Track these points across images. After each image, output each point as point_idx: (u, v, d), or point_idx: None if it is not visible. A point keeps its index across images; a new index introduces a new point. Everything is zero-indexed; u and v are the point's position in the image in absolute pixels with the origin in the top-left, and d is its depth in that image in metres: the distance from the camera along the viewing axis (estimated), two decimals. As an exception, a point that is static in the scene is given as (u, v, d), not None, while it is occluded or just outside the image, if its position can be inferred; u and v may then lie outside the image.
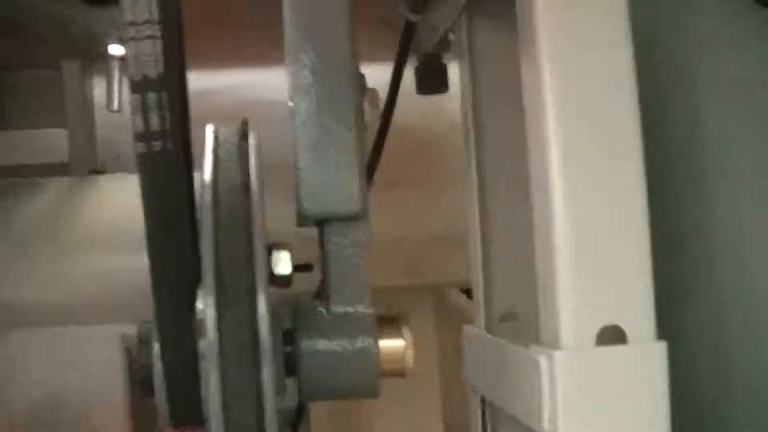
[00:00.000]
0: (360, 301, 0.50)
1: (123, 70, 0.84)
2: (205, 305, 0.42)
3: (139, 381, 0.49)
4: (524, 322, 0.69)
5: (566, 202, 0.50)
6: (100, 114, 0.94)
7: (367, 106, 0.51)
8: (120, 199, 0.76)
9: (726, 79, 0.64)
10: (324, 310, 0.50)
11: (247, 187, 0.41)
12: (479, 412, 0.74)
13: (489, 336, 0.69)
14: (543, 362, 0.51)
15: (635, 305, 0.51)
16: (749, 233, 0.64)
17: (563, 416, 0.50)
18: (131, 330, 0.49)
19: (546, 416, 0.50)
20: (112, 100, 0.83)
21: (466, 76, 0.74)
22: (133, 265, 0.79)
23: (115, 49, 0.83)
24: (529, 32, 0.53)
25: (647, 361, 0.51)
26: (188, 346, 0.45)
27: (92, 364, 0.68)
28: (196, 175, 0.45)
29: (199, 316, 0.43)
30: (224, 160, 0.42)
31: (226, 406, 0.41)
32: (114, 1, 0.87)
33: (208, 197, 0.41)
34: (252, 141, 0.43)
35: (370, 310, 0.50)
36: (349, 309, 0.50)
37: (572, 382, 0.50)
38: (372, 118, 0.52)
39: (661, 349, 0.51)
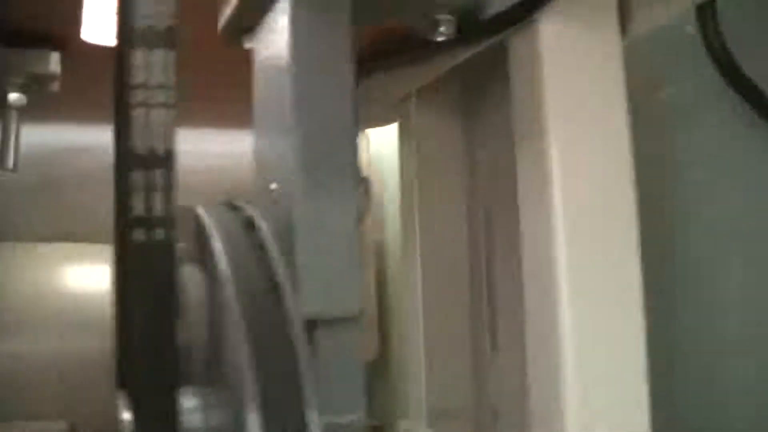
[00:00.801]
0: (352, 411, 0.45)
1: (21, 121, 0.75)
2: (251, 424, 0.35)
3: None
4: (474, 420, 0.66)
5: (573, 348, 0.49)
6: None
7: (361, 195, 0.47)
8: (25, 274, 0.66)
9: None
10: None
11: (275, 285, 0.35)
12: None
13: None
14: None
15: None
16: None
17: None
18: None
19: None
20: (7, 156, 0.74)
21: (413, 158, 0.72)
22: (38, 350, 0.70)
23: (16, 99, 0.74)
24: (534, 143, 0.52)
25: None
26: None
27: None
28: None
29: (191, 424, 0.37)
30: (236, 253, 0.37)
31: None
32: (19, 43, 0.79)
33: (230, 295, 0.35)
34: (264, 228, 0.38)
35: (362, 422, 0.45)
36: (337, 419, 0.45)
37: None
38: (365, 208, 0.48)
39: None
